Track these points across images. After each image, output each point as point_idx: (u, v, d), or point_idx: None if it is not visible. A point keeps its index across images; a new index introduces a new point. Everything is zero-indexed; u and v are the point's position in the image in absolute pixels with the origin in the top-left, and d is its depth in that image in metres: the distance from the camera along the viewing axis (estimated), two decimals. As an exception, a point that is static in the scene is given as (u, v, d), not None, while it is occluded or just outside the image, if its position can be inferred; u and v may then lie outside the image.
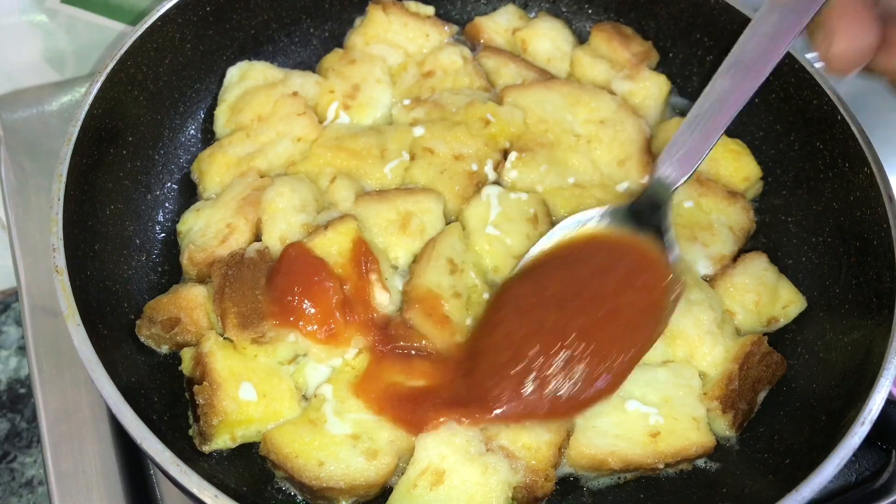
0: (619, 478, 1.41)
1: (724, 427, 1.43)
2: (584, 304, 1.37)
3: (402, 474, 1.32)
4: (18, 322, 2.59)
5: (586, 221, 1.48)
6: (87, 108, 1.45)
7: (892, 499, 1.54)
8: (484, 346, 1.39)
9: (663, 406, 1.41)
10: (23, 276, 1.74)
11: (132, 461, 1.55)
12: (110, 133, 1.53)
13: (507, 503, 1.31)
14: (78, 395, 1.60)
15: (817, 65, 1.54)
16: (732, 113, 1.35)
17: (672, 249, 1.41)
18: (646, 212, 1.44)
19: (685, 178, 1.39)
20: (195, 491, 1.10)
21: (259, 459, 1.37)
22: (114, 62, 1.52)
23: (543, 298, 1.39)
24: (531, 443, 1.33)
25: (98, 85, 1.48)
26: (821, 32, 1.07)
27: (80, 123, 1.43)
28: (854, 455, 1.55)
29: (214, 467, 1.33)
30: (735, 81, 1.33)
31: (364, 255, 1.48)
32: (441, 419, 1.33)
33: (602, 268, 1.42)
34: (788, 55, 1.65)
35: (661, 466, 1.37)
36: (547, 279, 1.42)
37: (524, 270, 1.47)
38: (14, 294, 2.64)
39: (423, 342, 1.43)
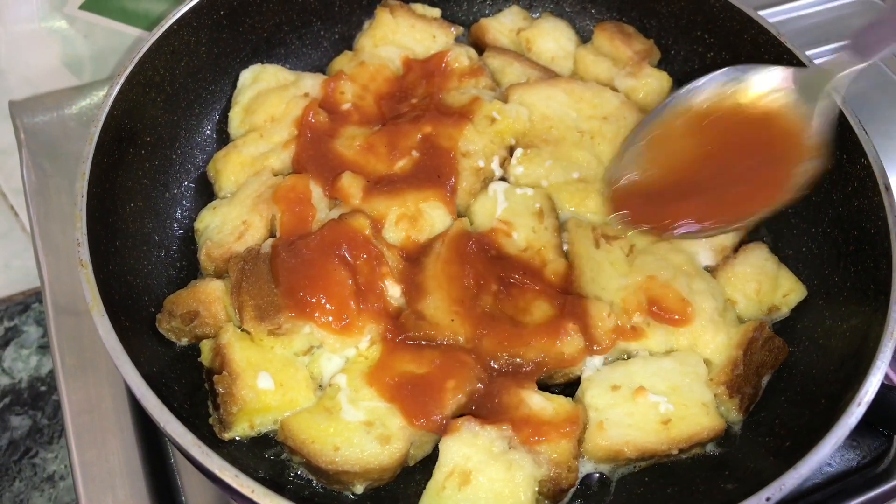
0: (634, 466, 1.45)
1: (732, 411, 1.46)
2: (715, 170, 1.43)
3: (430, 477, 1.35)
4: (38, 322, 2.65)
5: (760, 80, 1.44)
6: (107, 109, 1.50)
7: (892, 483, 1.58)
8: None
9: (672, 394, 1.45)
10: (45, 274, 1.80)
11: (153, 451, 1.60)
12: (130, 133, 1.58)
13: (535, 497, 1.34)
14: (100, 390, 1.65)
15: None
16: None
17: (821, 125, 1.38)
18: (810, 85, 1.41)
19: (859, 66, 1.33)
20: (216, 471, 1.15)
21: (275, 448, 1.42)
22: (132, 65, 1.57)
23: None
24: (550, 437, 1.37)
25: (118, 87, 1.53)
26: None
27: (101, 124, 1.48)
28: (856, 440, 1.61)
29: (234, 453, 1.38)
30: None
31: (375, 249, 1.54)
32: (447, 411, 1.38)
33: (742, 140, 1.44)
34: (787, 51, 1.70)
35: (676, 452, 1.41)
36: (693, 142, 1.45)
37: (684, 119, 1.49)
38: (34, 294, 2.70)
39: (433, 332, 1.48)
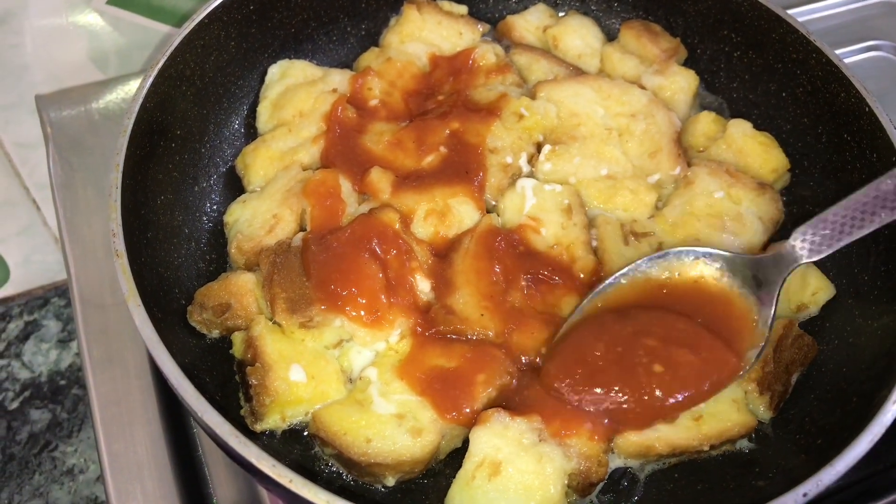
0: (664, 462, 1.45)
1: (762, 408, 1.46)
2: (662, 342, 1.40)
3: (459, 468, 1.35)
4: (58, 316, 2.66)
5: (699, 256, 1.48)
6: (140, 101, 1.50)
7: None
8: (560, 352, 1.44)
9: (703, 390, 1.45)
10: (72, 267, 1.81)
11: (181, 442, 1.60)
12: (161, 126, 1.59)
13: (564, 490, 1.34)
14: (128, 382, 1.66)
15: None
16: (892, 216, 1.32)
17: (768, 314, 1.42)
18: (760, 273, 1.45)
19: (814, 258, 1.40)
20: (253, 461, 1.15)
21: (305, 441, 1.42)
22: (165, 58, 1.58)
23: (626, 331, 1.41)
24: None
25: (151, 80, 1.54)
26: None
27: (134, 116, 1.48)
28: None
29: (266, 445, 1.38)
30: None
31: (405, 244, 1.54)
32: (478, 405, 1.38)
33: (690, 312, 1.44)
34: (816, 50, 1.70)
35: (707, 448, 1.41)
36: (636, 314, 1.44)
37: (618, 297, 1.49)
38: (53, 289, 2.71)
39: (462, 327, 1.48)
